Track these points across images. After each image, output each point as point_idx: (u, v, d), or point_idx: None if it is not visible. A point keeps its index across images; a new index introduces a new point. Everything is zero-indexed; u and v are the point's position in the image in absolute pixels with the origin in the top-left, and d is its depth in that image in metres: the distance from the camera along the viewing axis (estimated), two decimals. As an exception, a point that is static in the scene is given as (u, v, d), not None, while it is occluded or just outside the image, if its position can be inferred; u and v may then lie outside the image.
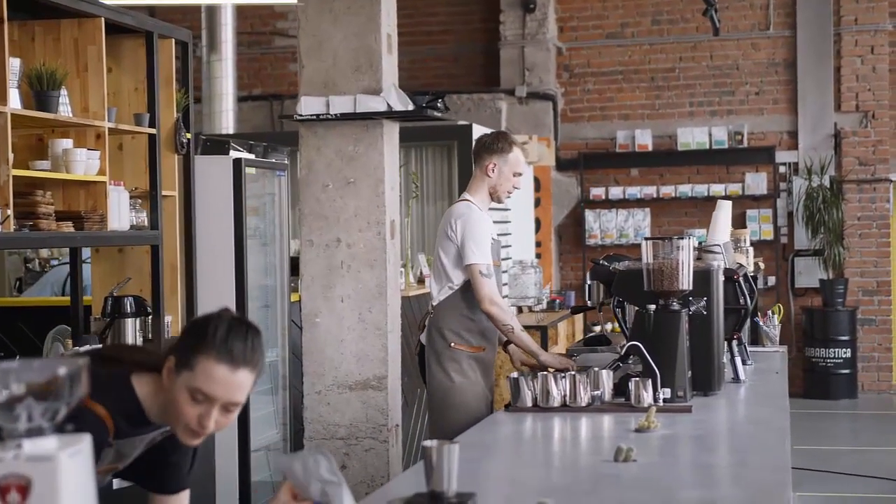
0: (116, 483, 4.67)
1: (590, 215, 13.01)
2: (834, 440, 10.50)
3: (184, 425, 2.65)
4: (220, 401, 2.60)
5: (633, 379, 4.30)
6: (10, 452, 1.78)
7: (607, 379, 4.41)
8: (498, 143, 5.34)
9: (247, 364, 2.61)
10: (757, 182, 12.72)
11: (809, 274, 12.67)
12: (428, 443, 2.75)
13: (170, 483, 2.94)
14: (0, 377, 1.81)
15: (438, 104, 6.29)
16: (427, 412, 7.65)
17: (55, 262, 8.43)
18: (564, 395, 4.32)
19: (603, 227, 13.03)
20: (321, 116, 5.91)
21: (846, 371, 12.36)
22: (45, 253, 8.68)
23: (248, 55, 13.51)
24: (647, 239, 4.54)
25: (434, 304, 5.32)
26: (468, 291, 5.19)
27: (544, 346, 9.02)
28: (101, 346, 5.01)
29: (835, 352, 12.33)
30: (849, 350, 12.35)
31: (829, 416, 11.67)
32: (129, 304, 5.51)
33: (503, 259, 6.12)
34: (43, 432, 1.81)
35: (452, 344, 5.21)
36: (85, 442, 1.83)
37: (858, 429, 11.35)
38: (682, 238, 4.50)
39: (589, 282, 5.25)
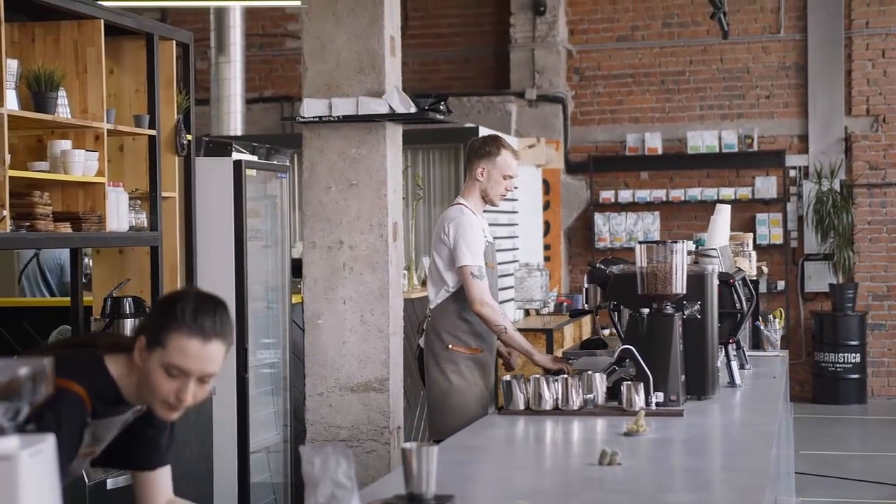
0: (111, 483, 4.71)
1: (599, 218, 12.99)
2: (842, 445, 10.47)
3: (161, 401, 2.71)
4: (194, 374, 2.67)
5: (626, 383, 4.30)
6: (-29, 452, 1.79)
7: (600, 382, 4.41)
8: (486, 146, 5.38)
9: (217, 336, 2.69)
10: (767, 186, 12.68)
11: (819, 278, 12.62)
12: (407, 445, 2.76)
13: (148, 458, 2.97)
14: (-38, 377, 1.82)
15: (441, 107, 6.29)
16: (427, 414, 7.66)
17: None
18: (557, 399, 4.32)
19: (612, 230, 13.02)
20: (324, 118, 5.93)
21: (856, 376, 12.31)
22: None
23: (259, 57, 13.54)
24: (640, 243, 4.54)
25: (431, 307, 5.38)
26: (464, 293, 5.23)
27: (549, 349, 9.02)
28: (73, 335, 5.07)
29: (844, 356, 12.29)
30: (858, 355, 12.30)
31: (837, 422, 11.63)
32: (127, 305, 5.53)
33: (500, 263, 6.14)
34: (4, 432, 1.82)
35: (450, 346, 5.26)
36: (47, 442, 1.84)
37: (867, 434, 11.31)
38: (676, 242, 4.50)
39: (586, 285, 5.25)
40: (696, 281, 4.61)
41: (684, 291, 4.48)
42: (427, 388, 5.36)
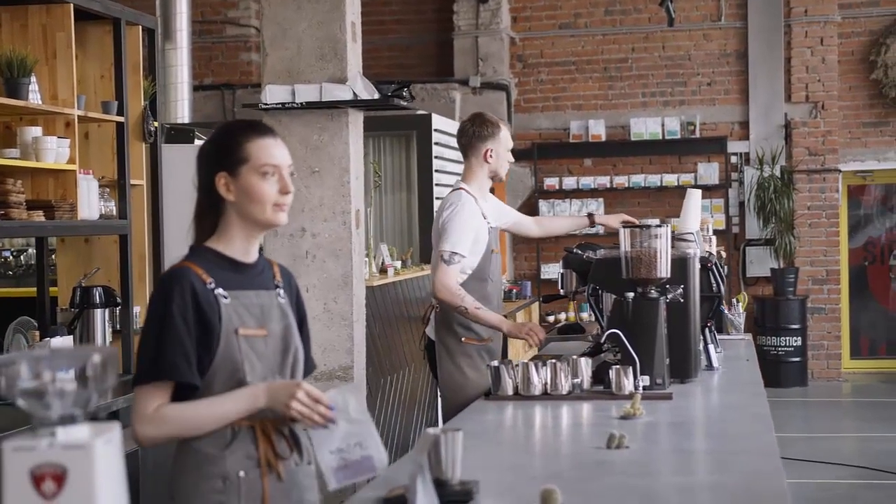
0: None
1: (544, 205, 13.04)
2: (785, 427, 10.61)
3: (272, 205, 2.89)
4: (283, 165, 2.90)
5: (614, 367, 4.31)
6: (45, 441, 1.75)
7: (586, 367, 4.42)
8: (487, 128, 5.36)
9: (275, 132, 2.96)
10: (709, 172, 12.82)
11: (760, 263, 12.80)
12: (432, 430, 2.75)
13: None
14: (31, 365, 1.78)
15: (404, 93, 6.27)
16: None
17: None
18: (545, 384, 4.32)
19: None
20: (286, 105, 5.87)
21: (797, 359, 12.51)
22: (18, 242, 8.59)
23: (199, 44, 13.37)
24: (625, 226, 4.56)
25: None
26: (472, 282, 5.15)
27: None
28: None
29: (785, 340, 12.47)
30: (799, 338, 12.49)
31: (779, 404, 11.77)
32: (97, 295, 5.44)
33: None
34: (75, 420, 1.79)
35: (463, 339, 5.20)
36: (115, 430, 1.81)
37: (809, 416, 11.49)
38: (661, 226, 4.52)
39: (561, 270, 5.24)
40: (679, 264, 4.63)
41: (668, 275, 4.50)
42: (441, 381, 5.27)
